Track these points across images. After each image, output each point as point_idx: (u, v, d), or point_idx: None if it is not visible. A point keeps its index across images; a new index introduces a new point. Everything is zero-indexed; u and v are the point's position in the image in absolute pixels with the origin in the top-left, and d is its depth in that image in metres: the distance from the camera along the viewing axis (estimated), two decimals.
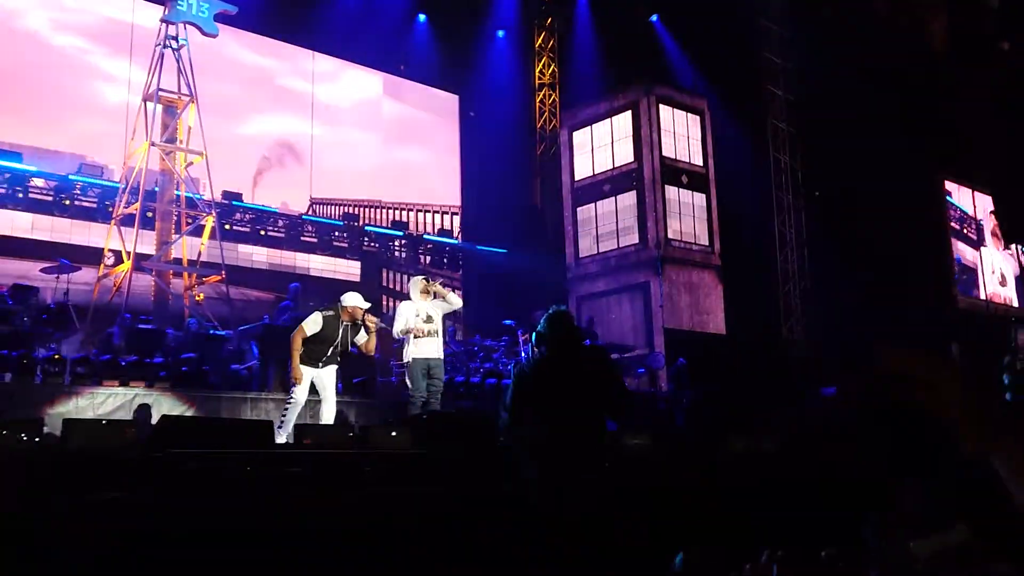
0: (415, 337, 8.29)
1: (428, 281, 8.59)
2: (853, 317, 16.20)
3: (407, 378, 8.39)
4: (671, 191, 17.60)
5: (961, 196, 21.79)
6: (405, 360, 8.41)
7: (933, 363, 1.25)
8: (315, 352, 7.98)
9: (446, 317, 8.84)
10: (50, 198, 15.26)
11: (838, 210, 17.98)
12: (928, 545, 1.31)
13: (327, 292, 13.45)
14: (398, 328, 8.38)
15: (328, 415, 8.12)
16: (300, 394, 7.94)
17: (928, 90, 16.26)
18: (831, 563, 1.27)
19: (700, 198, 18.10)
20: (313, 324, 7.93)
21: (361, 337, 8.19)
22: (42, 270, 11.85)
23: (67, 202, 15.40)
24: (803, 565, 1.26)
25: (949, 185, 21.36)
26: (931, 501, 1.61)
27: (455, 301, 8.65)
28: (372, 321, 8.17)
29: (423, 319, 8.33)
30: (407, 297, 8.87)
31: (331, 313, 8.06)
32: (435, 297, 8.50)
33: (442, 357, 8.55)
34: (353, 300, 8.18)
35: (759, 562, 1.27)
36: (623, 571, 3.89)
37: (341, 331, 8.04)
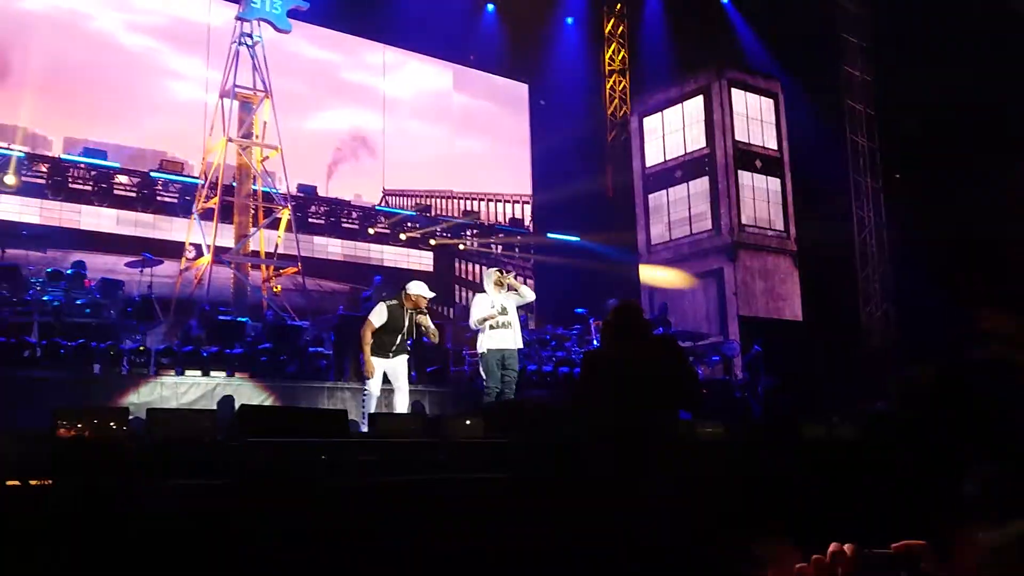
0: (491, 328, 8.32)
1: (502, 273, 8.61)
2: (936, 302, 15.75)
3: (481, 369, 8.42)
4: (744, 176, 17.32)
5: None
6: (480, 351, 8.44)
7: None
8: (385, 343, 8.10)
9: (519, 307, 8.86)
10: (134, 194, 15.76)
11: (919, 192, 17.46)
12: (998, 536, 1.27)
13: (400, 283, 13.61)
14: (474, 319, 8.43)
15: (402, 404, 8.23)
16: (374, 386, 8.07)
17: (1013, 67, 15.67)
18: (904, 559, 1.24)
19: (774, 182, 17.78)
20: (379, 316, 8.05)
21: (424, 328, 8.28)
22: (127, 264, 12.24)
23: (149, 197, 15.86)
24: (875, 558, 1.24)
25: None
26: (1005, 488, 1.57)
27: (528, 294, 8.65)
28: (425, 322, 8.26)
29: (498, 311, 8.36)
30: (479, 287, 8.92)
31: (395, 303, 8.19)
32: (508, 289, 8.53)
33: (517, 348, 8.55)
34: (416, 289, 8.27)
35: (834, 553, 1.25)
36: (692, 561, 3.88)
37: (407, 320, 8.14)
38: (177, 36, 16.82)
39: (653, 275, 18.06)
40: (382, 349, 8.10)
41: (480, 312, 8.36)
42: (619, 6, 21.54)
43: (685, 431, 6.43)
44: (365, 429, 7.61)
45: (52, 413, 5.12)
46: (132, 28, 16.47)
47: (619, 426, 4.35)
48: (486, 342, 8.33)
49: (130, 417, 6.91)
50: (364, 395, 8.15)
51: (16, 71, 14.91)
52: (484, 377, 8.37)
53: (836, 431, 8.56)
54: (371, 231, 18.45)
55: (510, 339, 8.39)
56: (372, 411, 7.95)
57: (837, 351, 15.68)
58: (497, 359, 8.32)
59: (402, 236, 18.86)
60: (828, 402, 12.21)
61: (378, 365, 8.06)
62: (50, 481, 4.38)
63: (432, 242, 19.29)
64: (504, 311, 8.39)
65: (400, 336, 8.14)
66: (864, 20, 18.94)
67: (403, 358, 8.28)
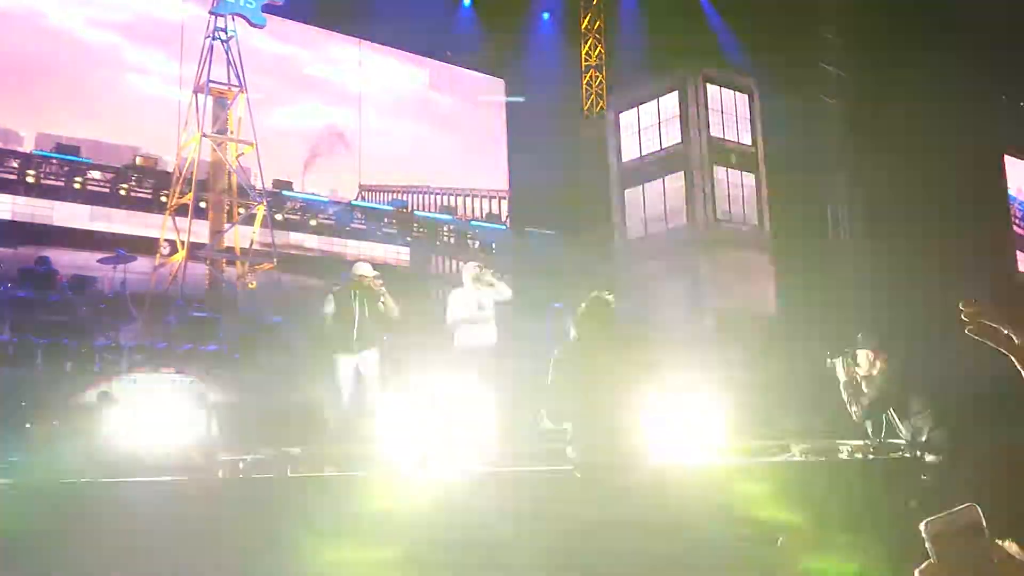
0: (466, 324, 8.24)
1: (480, 269, 8.56)
2: (908, 296, 15.91)
3: None
4: (720, 171, 17.40)
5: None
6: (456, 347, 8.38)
7: (1017, 314, 1.45)
8: (343, 334, 7.89)
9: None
10: (107, 190, 15.61)
11: (893, 188, 17.62)
12: (938, 522, 1.31)
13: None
14: (450, 317, 8.34)
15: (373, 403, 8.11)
16: (343, 383, 7.87)
17: (989, 61, 15.88)
18: None
19: (749, 178, 17.88)
20: (327, 305, 7.96)
21: (380, 305, 8.04)
22: (100, 260, 12.07)
23: (123, 193, 15.73)
24: None
25: (1009, 159, 20.85)
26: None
27: (505, 291, 8.54)
28: (377, 282, 8.05)
29: (475, 307, 8.31)
30: (457, 282, 8.86)
31: (340, 288, 8.08)
32: (486, 285, 8.46)
33: (495, 343, 8.49)
34: (358, 269, 8.19)
35: None
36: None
37: (356, 304, 7.93)
38: (150, 31, 16.66)
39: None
40: (344, 342, 7.89)
41: (453, 311, 8.28)
42: (595, 1, 21.57)
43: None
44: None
45: None
46: (102, 24, 16.31)
47: (585, 418, 4.40)
48: (463, 338, 8.27)
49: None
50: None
51: None
52: None
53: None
54: (352, 226, 18.41)
55: (488, 335, 8.35)
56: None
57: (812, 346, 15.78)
58: None
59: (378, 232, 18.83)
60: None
61: (343, 362, 7.93)
62: None
63: (408, 238, 19.26)
64: (481, 307, 8.35)
65: (355, 325, 7.88)
66: (839, 15, 19.04)
67: (372, 352, 8.03)
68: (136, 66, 16.51)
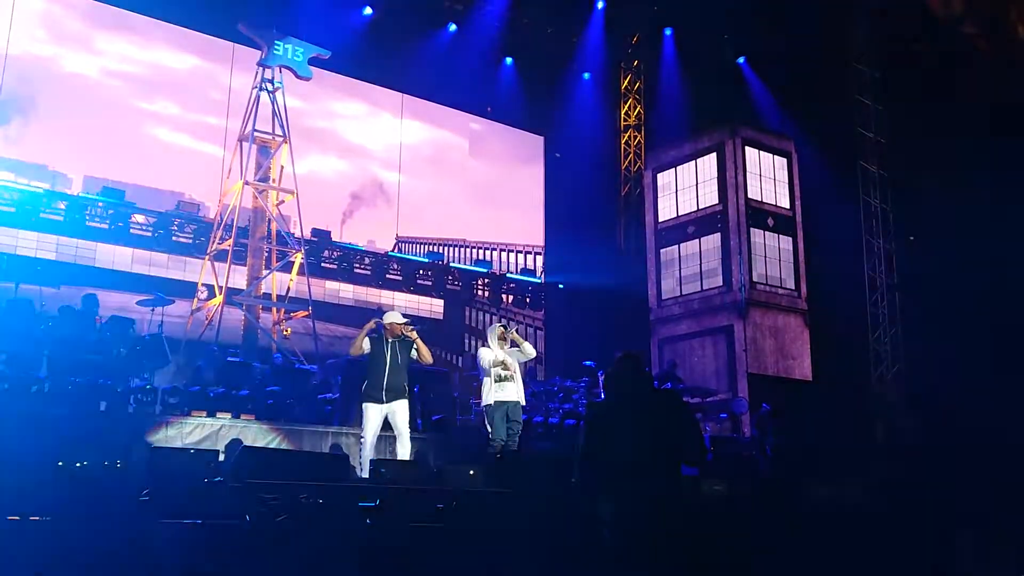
0: (496, 381, 8.38)
1: (506, 328, 8.70)
2: (947, 366, 15.65)
3: (486, 421, 8.47)
4: (756, 234, 17.35)
5: None
6: (484, 403, 8.50)
7: None
8: (374, 381, 8.07)
9: (521, 363, 8.88)
10: (149, 233, 15.88)
11: (932, 255, 17.44)
12: None
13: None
14: (482, 363, 8.53)
15: (403, 452, 8.17)
16: (369, 432, 7.99)
17: None
18: None
19: (786, 241, 17.80)
20: (364, 345, 8.12)
21: (413, 352, 8.25)
22: (139, 303, 12.26)
23: (165, 236, 15.97)
24: None
25: None
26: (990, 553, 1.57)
27: (530, 351, 8.74)
28: (409, 328, 8.26)
29: (500, 367, 8.43)
30: (485, 341, 8.99)
31: (375, 335, 8.22)
32: (511, 344, 8.63)
33: (521, 401, 8.59)
34: (390, 317, 8.33)
35: None
36: None
37: (388, 350, 8.11)
38: (198, 81, 17.10)
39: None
40: (375, 391, 8.03)
41: (482, 367, 8.49)
42: (636, 63, 21.81)
43: (688, 487, 6.39)
44: (364, 475, 7.59)
45: None
46: (154, 72, 16.73)
47: (616, 477, 4.34)
48: (490, 395, 8.40)
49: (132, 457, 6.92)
50: (360, 441, 8.12)
51: (41, 110, 15.18)
52: (488, 429, 8.41)
53: (842, 490, 8.50)
54: (388, 276, 18.56)
55: (512, 392, 8.46)
56: (369, 456, 7.89)
57: (847, 412, 15.53)
58: (501, 412, 8.37)
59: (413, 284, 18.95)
60: (836, 462, 12.09)
61: (373, 411, 8.01)
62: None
63: (443, 290, 19.36)
64: (506, 366, 8.45)
65: (387, 371, 8.05)
66: (878, 83, 19.09)
67: (401, 403, 8.14)
68: (182, 115, 16.88)
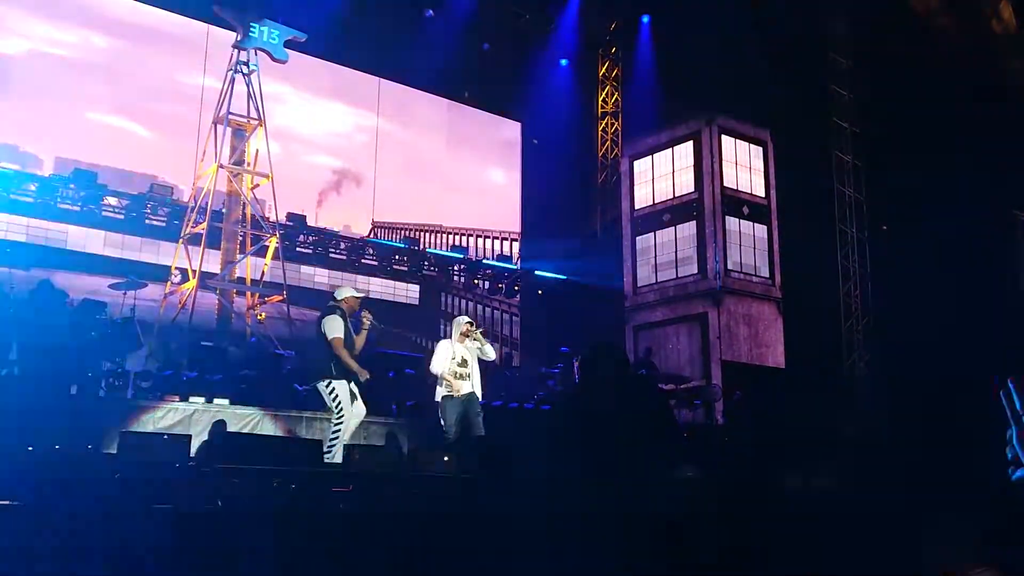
0: (455, 378, 8.23)
1: (471, 325, 8.58)
2: (918, 353, 15.82)
3: (440, 416, 8.28)
4: (732, 222, 17.45)
5: None
6: (437, 398, 8.31)
7: None
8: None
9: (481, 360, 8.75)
10: (122, 216, 15.68)
11: (904, 244, 17.60)
12: None
13: (387, 315, 13.59)
14: (433, 368, 8.35)
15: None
16: (348, 412, 7.95)
17: (1001, 121, 15.89)
18: None
19: (761, 229, 17.92)
20: (338, 329, 7.99)
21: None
22: (111, 286, 12.12)
23: (137, 219, 15.79)
24: None
25: None
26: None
27: (490, 353, 8.60)
28: (367, 318, 8.22)
29: (458, 362, 8.31)
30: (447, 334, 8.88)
31: (337, 314, 8.15)
32: (473, 341, 8.49)
33: (478, 391, 8.43)
34: (344, 292, 8.30)
35: None
36: None
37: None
38: (172, 62, 16.91)
39: None
40: (344, 371, 8.01)
41: (437, 364, 8.30)
42: (614, 50, 21.81)
43: (659, 474, 6.42)
44: (337, 460, 7.57)
45: None
46: (127, 52, 16.53)
47: (590, 464, 4.36)
48: (443, 390, 8.26)
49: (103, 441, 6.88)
50: (338, 422, 8.02)
51: (11, 90, 14.96)
52: (443, 423, 8.24)
53: (814, 478, 8.56)
54: (364, 261, 18.48)
55: (470, 385, 8.35)
56: (345, 441, 7.86)
57: (819, 399, 15.69)
58: (456, 406, 8.21)
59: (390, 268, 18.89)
60: (809, 450, 12.21)
61: (346, 388, 7.99)
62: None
63: (419, 275, 19.32)
64: (464, 363, 8.33)
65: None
66: (853, 73, 19.20)
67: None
68: (155, 95, 16.69)
